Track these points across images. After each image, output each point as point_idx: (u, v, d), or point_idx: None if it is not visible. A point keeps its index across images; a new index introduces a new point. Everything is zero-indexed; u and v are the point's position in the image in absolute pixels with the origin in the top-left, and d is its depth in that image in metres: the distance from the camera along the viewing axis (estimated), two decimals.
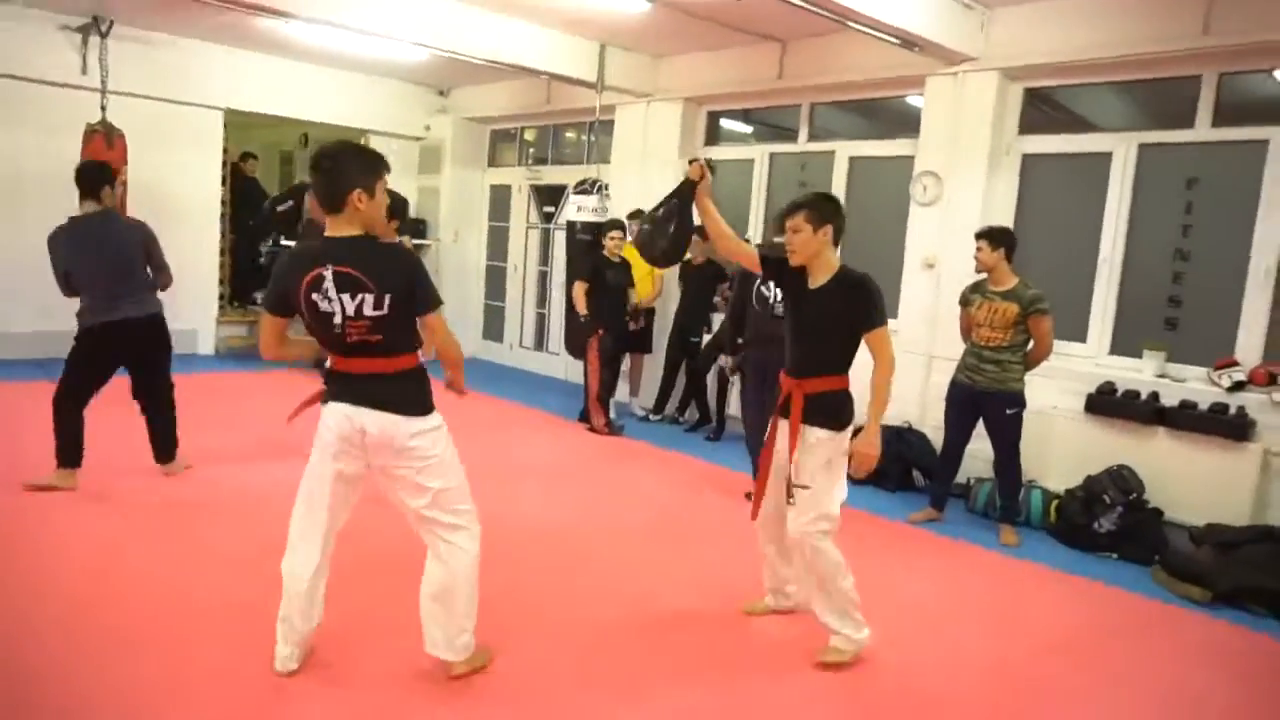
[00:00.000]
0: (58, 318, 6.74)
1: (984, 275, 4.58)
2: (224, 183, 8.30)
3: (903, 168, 5.81)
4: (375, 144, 9.11)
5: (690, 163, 3.27)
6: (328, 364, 2.64)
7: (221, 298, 8.48)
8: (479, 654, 2.77)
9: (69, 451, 4.20)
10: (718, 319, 6.73)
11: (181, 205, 7.51)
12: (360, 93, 8.72)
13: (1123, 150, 5.04)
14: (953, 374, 4.73)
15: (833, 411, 3.00)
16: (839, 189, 6.33)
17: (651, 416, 7.05)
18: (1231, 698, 3.09)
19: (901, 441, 5.34)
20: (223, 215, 8.32)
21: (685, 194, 3.24)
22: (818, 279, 3.03)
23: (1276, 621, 3.78)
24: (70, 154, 6.00)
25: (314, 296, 2.45)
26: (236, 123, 8.41)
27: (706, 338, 6.63)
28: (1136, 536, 4.42)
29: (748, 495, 4.68)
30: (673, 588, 3.65)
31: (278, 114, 8.46)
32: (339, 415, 2.56)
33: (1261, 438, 4.38)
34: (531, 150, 9.34)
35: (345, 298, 2.43)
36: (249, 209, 8.69)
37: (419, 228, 9.19)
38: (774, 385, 4.40)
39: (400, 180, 8.91)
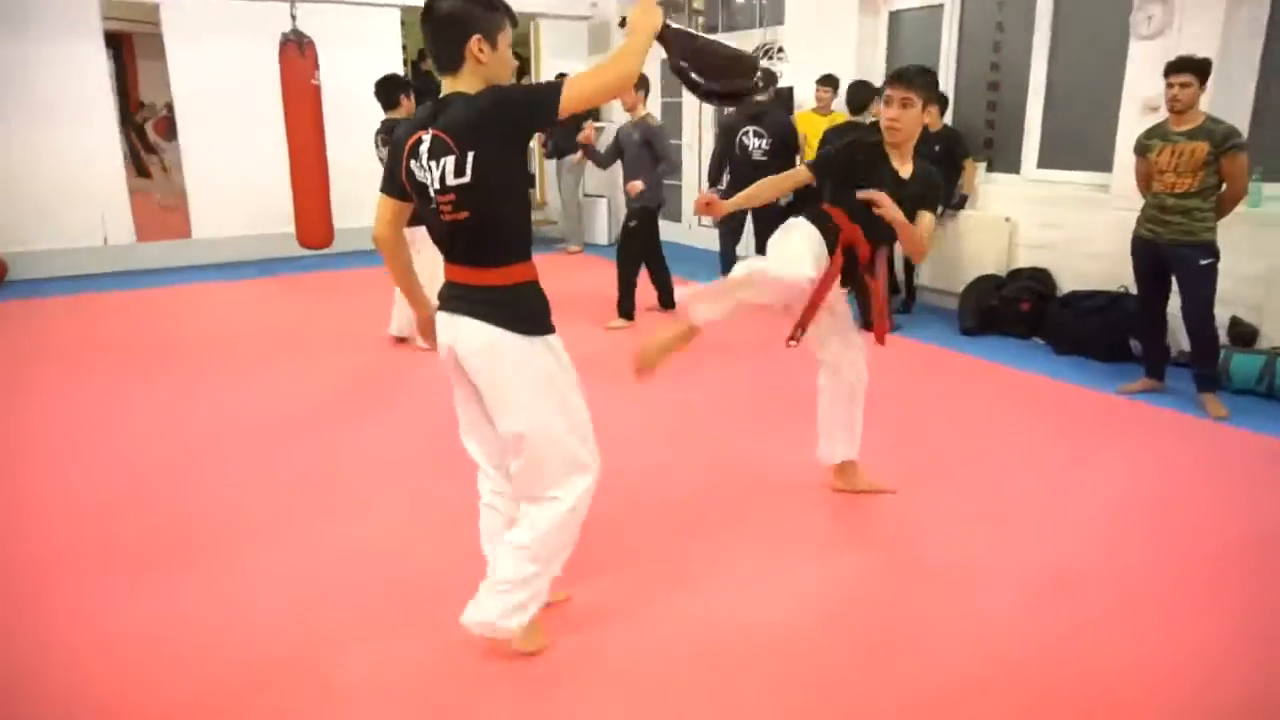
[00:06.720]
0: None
1: (1163, 116, 4.00)
2: None
3: None
4: (543, 27, 9.07)
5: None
6: None
7: None
8: None
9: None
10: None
11: (371, 106, 7.73)
12: None
13: None
14: (1134, 229, 4.16)
15: None
16: (1043, 15, 5.54)
17: None
18: None
19: (1115, 307, 4.83)
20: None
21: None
22: (906, 167, 2.82)
23: None
24: (269, 63, 6.38)
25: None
26: (413, 21, 8.55)
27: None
28: None
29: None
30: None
31: None
32: None
33: None
34: (700, 19, 8.94)
35: None
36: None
37: None
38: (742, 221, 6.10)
39: (570, 65, 8.83)
